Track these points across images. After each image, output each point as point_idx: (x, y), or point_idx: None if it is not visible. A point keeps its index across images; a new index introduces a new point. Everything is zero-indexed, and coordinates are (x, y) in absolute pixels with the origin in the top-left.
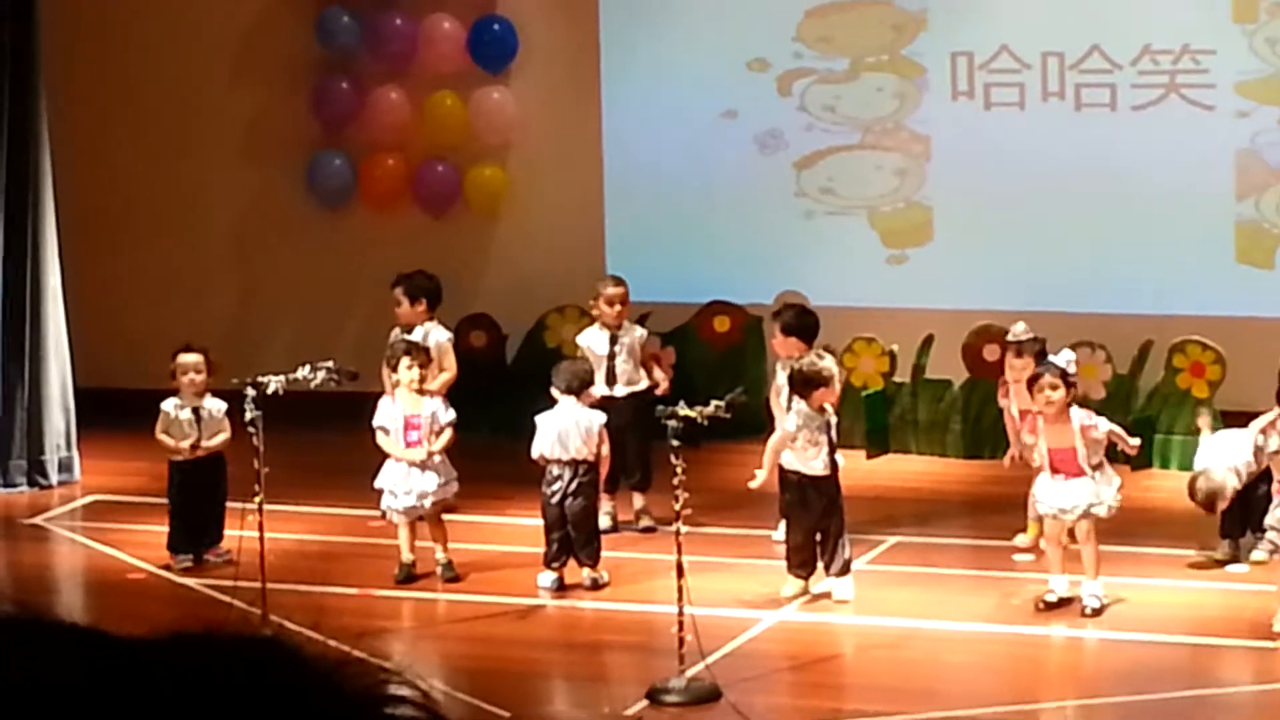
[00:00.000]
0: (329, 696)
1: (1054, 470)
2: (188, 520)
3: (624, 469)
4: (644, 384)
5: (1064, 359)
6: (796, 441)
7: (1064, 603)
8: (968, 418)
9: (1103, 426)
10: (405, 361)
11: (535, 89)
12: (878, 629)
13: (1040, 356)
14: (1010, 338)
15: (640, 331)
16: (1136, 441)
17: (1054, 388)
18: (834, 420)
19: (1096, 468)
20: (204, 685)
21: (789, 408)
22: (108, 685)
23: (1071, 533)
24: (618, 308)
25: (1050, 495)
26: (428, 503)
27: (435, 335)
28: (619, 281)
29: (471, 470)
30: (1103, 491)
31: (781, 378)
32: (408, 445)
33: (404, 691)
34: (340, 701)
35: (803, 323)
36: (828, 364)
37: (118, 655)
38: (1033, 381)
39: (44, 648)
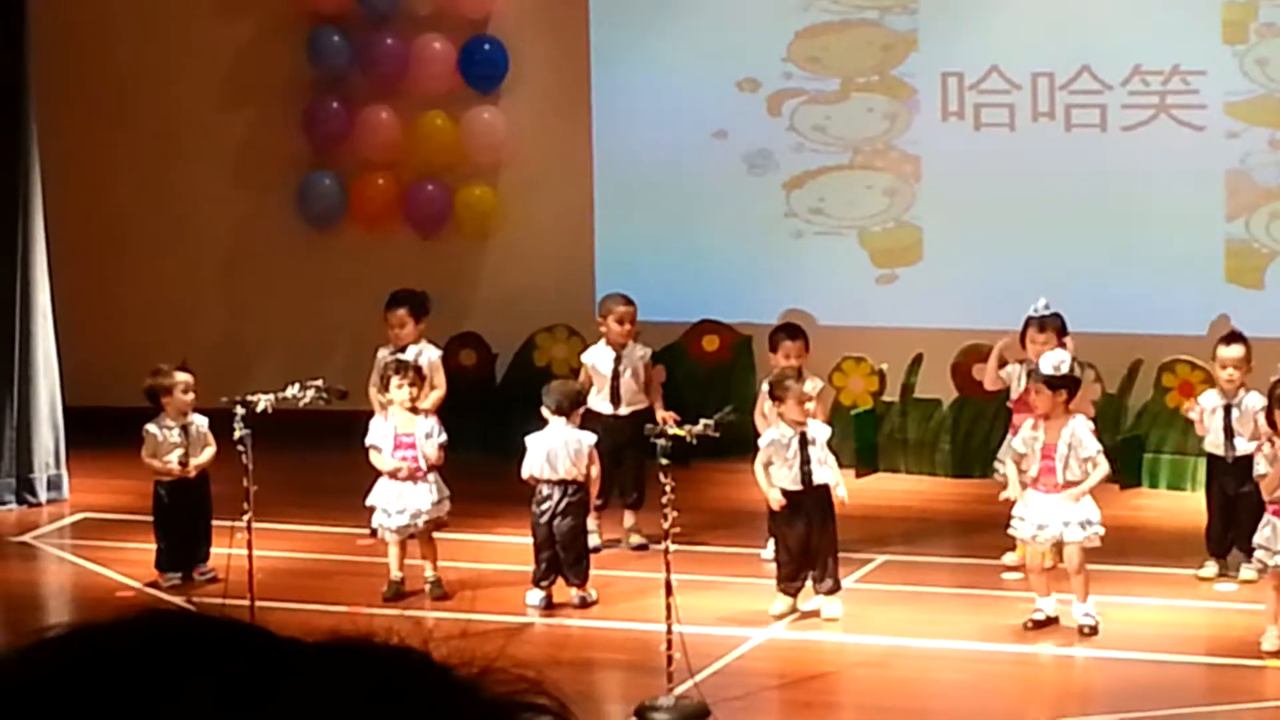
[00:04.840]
0: (472, 702)
1: (1041, 468)
2: (175, 539)
3: (620, 487)
4: (645, 404)
5: (1051, 361)
6: (771, 465)
7: (1051, 621)
8: (957, 437)
9: (1086, 450)
10: (396, 380)
11: (526, 109)
12: (866, 647)
13: (1062, 333)
14: (1031, 312)
15: (643, 351)
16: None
17: (1038, 392)
18: (816, 438)
19: (1070, 485)
20: (357, 687)
21: None
22: (272, 681)
23: (1062, 556)
24: (627, 326)
25: (1030, 513)
26: (421, 521)
27: (427, 353)
28: (628, 301)
29: (461, 489)
30: (1075, 514)
31: None
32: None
33: (543, 701)
34: (483, 707)
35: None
36: (790, 379)
37: (283, 654)
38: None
39: (212, 643)
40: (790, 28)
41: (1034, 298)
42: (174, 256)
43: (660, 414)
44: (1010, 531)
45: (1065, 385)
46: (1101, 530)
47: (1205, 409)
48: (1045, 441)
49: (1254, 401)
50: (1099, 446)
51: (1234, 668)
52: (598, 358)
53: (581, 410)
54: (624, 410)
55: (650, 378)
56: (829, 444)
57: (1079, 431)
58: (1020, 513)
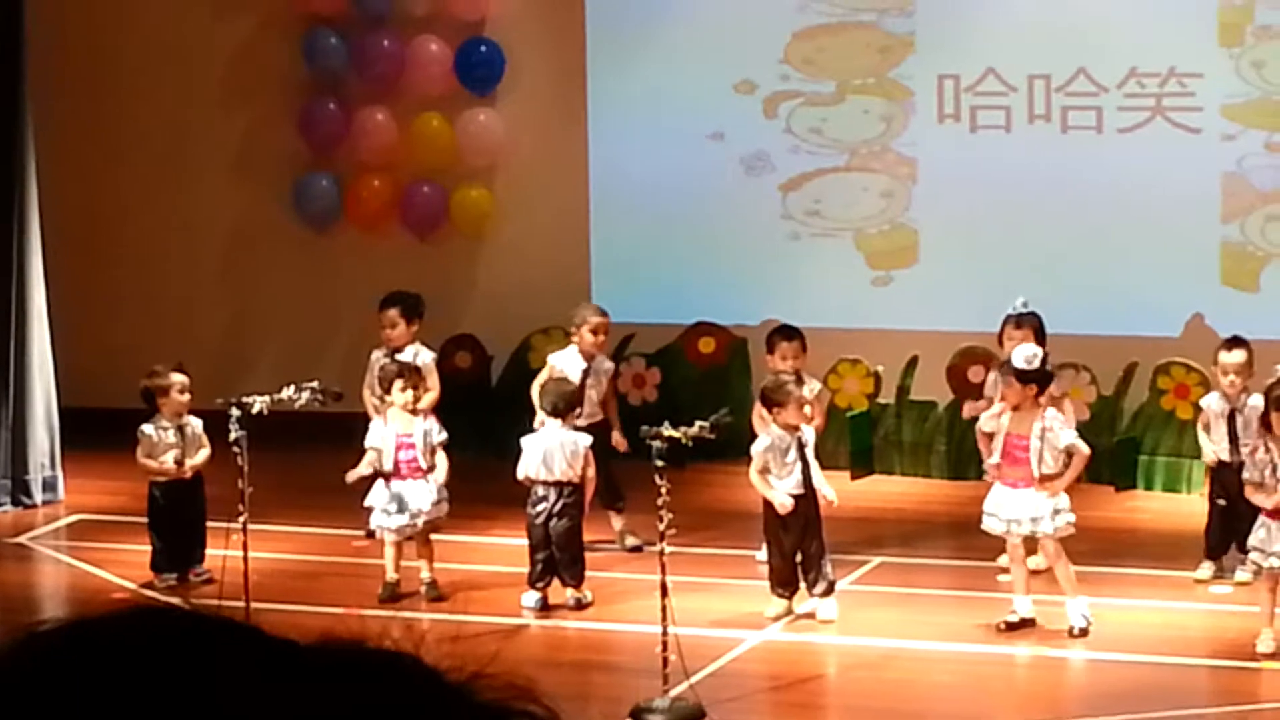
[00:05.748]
0: (463, 707)
1: (1006, 457)
2: (170, 541)
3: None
4: (601, 417)
5: (1021, 355)
6: (768, 472)
7: (1025, 624)
8: (952, 439)
9: (1064, 439)
10: (399, 384)
11: (522, 111)
12: (861, 649)
13: (1039, 332)
14: (1011, 311)
15: (609, 365)
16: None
17: (1007, 384)
18: (808, 441)
19: (1047, 478)
20: (349, 692)
21: None
22: (265, 680)
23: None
24: (600, 337)
25: (998, 508)
26: (420, 521)
27: (421, 355)
28: (603, 312)
29: (457, 490)
30: (1044, 506)
31: None
32: (400, 464)
33: (533, 707)
34: (473, 713)
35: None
36: (790, 383)
37: (275, 653)
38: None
39: (203, 639)
40: (787, 29)
41: (1029, 300)
42: (170, 257)
43: (616, 435)
44: (982, 528)
45: (1035, 379)
46: (1073, 518)
47: (1212, 414)
48: (1014, 433)
49: (1259, 404)
50: (1074, 434)
51: (1229, 670)
52: (567, 364)
53: (578, 411)
54: (582, 421)
55: (609, 393)
56: (817, 447)
57: (1051, 423)
58: (990, 508)
